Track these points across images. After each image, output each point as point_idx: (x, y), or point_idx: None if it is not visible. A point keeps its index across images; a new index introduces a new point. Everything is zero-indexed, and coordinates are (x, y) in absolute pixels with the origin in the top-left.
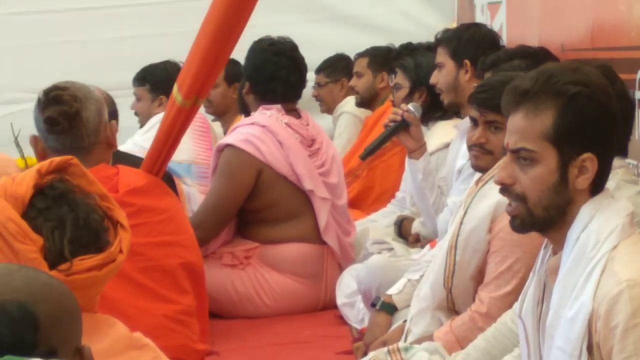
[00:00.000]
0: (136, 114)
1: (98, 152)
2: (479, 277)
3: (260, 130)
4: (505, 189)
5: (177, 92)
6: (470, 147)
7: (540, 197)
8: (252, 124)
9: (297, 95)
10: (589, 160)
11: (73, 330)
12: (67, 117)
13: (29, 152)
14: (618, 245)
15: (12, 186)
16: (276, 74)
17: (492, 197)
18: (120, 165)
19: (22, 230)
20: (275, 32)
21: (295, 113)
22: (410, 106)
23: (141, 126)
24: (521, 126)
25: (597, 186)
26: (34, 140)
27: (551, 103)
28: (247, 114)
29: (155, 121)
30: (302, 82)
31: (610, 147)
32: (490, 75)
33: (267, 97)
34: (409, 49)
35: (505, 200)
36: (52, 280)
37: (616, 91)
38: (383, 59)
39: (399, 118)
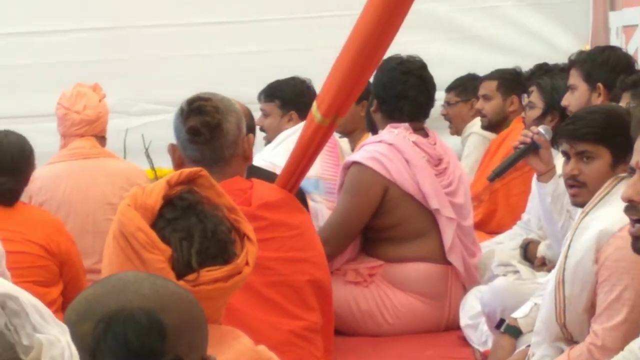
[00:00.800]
0: (262, 129)
1: (235, 164)
2: (592, 309)
3: (388, 148)
4: (632, 207)
5: (316, 110)
6: (565, 183)
7: None
8: (380, 141)
9: (425, 114)
10: None
11: (199, 340)
12: (209, 128)
13: (159, 163)
14: None
15: (142, 197)
16: (404, 93)
17: (594, 228)
18: (254, 179)
19: (151, 240)
20: (406, 50)
21: (423, 132)
22: (540, 128)
23: (268, 142)
24: None
25: None
26: (172, 149)
27: None
28: (375, 131)
29: (284, 137)
30: (430, 102)
31: None
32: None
33: (394, 115)
34: (543, 69)
35: (608, 229)
36: (180, 290)
37: None
38: (512, 82)
39: (528, 140)
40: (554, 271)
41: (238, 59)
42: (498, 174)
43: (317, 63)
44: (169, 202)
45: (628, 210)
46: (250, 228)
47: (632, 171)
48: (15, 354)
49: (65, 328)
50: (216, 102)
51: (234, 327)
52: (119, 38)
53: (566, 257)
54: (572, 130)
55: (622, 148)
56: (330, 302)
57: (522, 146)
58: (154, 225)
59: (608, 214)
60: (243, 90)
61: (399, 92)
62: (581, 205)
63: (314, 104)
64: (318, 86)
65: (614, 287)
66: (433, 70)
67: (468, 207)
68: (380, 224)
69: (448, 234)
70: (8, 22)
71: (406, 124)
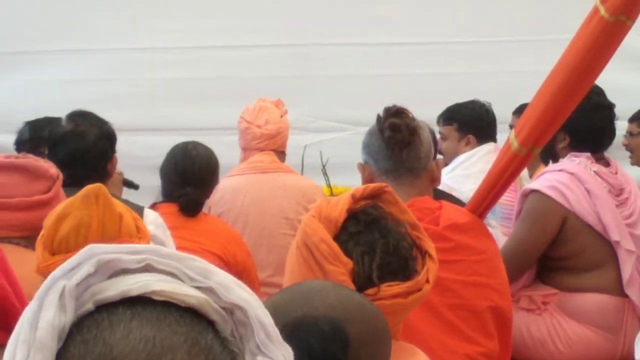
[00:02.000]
0: (440, 152)
1: (425, 180)
2: None
3: (568, 178)
4: None
5: (514, 138)
6: None
7: None
8: (560, 170)
9: (610, 144)
10: None
11: (381, 353)
12: (408, 129)
13: (335, 180)
14: None
15: (326, 209)
16: (603, 128)
17: None
18: (443, 202)
19: (334, 252)
20: None
21: (604, 161)
22: None
23: (445, 165)
24: None
25: None
26: (362, 168)
27: None
28: (554, 161)
29: (460, 161)
30: (614, 131)
31: None
32: None
33: (581, 148)
34: None
35: None
36: (365, 302)
37: None
38: None
39: None
40: None
41: (420, 80)
42: None
43: (500, 87)
44: (352, 215)
45: None
46: (431, 246)
47: None
48: None
49: (290, 352)
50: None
51: (412, 345)
52: (303, 55)
53: None
54: None
55: None
56: (509, 331)
57: None
58: (336, 238)
59: None
60: (423, 112)
61: (597, 128)
62: None
63: (512, 132)
64: (498, 111)
65: None
66: (617, 99)
67: None
68: (558, 253)
69: (627, 267)
70: (197, 36)
71: (587, 154)
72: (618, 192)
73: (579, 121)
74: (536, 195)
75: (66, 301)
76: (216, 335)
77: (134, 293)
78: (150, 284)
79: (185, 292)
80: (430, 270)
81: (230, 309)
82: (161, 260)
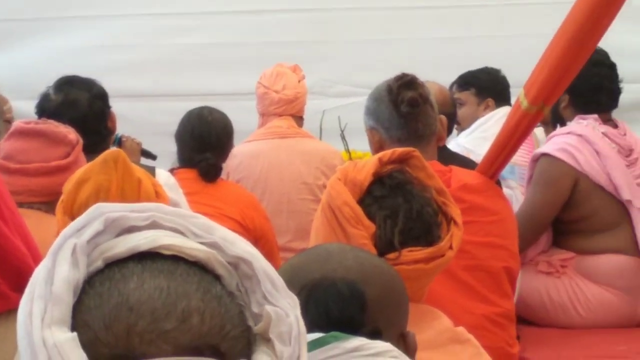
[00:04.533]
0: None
1: (433, 144)
2: None
3: (577, 140)
4: None
5: (523, 97)
6: None
7: None
8: (569, 133)
9: (616, 104)
10: None
11: (399, 315)
12: (423, 100)
13: (354, 145)
14: None
15: (352, 172)
16: (599, 85)
17: None
18: (452, 166)
19: (357, 216)
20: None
21: (612, 123)
22: None
23: (462, 130)
24: None
25: None
26: (371, 134)
27: None
28: (562, 124)
29: (480, 123)
30: (620, 90)
31: None
32: None
33: (589, 108)
34: None
35: None
36: (383, 264)
37: None
38: None
39: None
40: None
41: (438, 44)
42: None
43: (517, 51)
44: (378, 179)
45: None
46: (457, 212)
47: None
48: (243, 319)
49: (296, 300)
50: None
51: (434, 308)
52: (322, 20)
53: None
54: None
55: None
56: (513, 293)
57: None
58: (361, 201)
59: None
60: (440, 76)
61: (594, 84)
62: None
63: (522, 90)
64: (511, 75)
65: None
66: (630, 62)
67: None
68: (571, 216)
69: None
70: (218, 2)
71: (595, 115)
72: (627, 153)
73: (576, 78)
74: (546, 159)
75: (78, 257)
76: (223, 288)
77: (143, 248)
78: (158, 238)
79: (192, 246)
80: (454, 237)
81: (235, 263)
82: (166, 217)
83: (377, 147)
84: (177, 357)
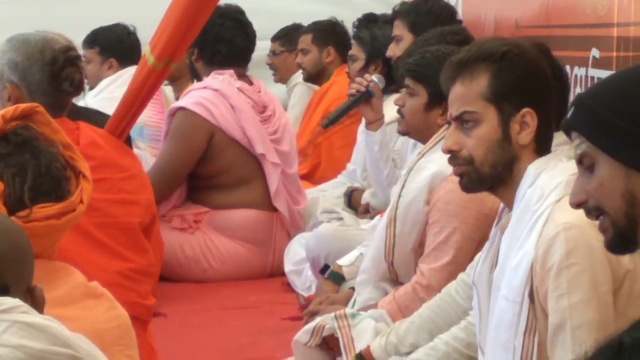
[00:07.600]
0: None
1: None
2: (420, 249)
3: (213, 94)
4: (453, 157)
5: (149, 53)
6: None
7: (486, 154)
8: (205, 87)
9: (245, 58)
10: (528, 115)
11: (25, 270)
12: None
13: None
14: (562, 199)
15: None
16: (220, 36)
17: (429, 169)
18: (81, 123)
19: None
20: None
21: (247, 79)
22: (374, 77)
23: (90, 88)
24: (460, 93)
25: (541, 144)
26: (10, 87)
27: (484, 66)
28: (199, 80)
29: (106, 83)
30: (249, 46)
31: (549, 104)
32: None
33: (214, 60)
34: (367, 20)
35: (442, 171)
36: (6, 220)
37: (550, 64)
38: (327, 33)
39: (363, 88)
40: (386, 212)
41: (67, 2)
42: (332, 121)
43: (150, 8)
44: (3, 137)
45: (450, 160)
46: (86, 166)
47: (449, 123)
48: None
49: None
50: None
51: (67, 264)
52: None
53: (400, 196)
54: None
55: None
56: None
57: (356, 94)
58: None
59: (443, 157)
60: (69, 35)
61: (215, 35)
62: (403, 134)
63: (148, 47)
64: (147, 35)
65: (442, 229)
66: (261, 20)
67: (293, 155)
68: (206, 171)
69: (273, 180)
70: None
71: (230, 71)
72: (262, 109)
73: (204, 30)
74: (182, 113)
75: None
76: None
77: None
78: None
79: None
80: (84, 191)
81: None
82: None
83: (14, 102)
84: None
